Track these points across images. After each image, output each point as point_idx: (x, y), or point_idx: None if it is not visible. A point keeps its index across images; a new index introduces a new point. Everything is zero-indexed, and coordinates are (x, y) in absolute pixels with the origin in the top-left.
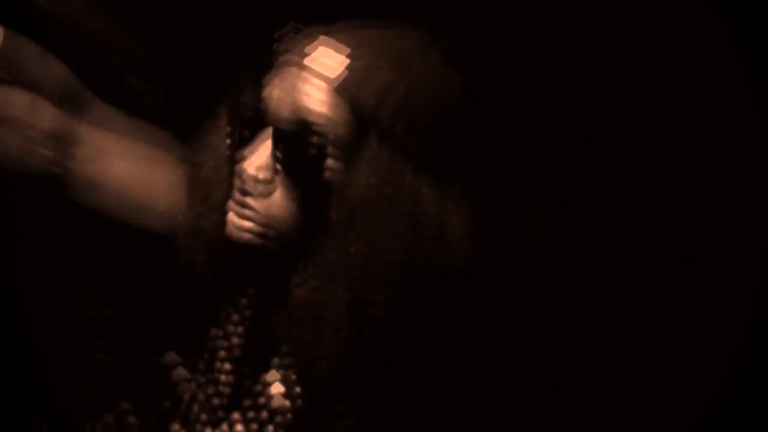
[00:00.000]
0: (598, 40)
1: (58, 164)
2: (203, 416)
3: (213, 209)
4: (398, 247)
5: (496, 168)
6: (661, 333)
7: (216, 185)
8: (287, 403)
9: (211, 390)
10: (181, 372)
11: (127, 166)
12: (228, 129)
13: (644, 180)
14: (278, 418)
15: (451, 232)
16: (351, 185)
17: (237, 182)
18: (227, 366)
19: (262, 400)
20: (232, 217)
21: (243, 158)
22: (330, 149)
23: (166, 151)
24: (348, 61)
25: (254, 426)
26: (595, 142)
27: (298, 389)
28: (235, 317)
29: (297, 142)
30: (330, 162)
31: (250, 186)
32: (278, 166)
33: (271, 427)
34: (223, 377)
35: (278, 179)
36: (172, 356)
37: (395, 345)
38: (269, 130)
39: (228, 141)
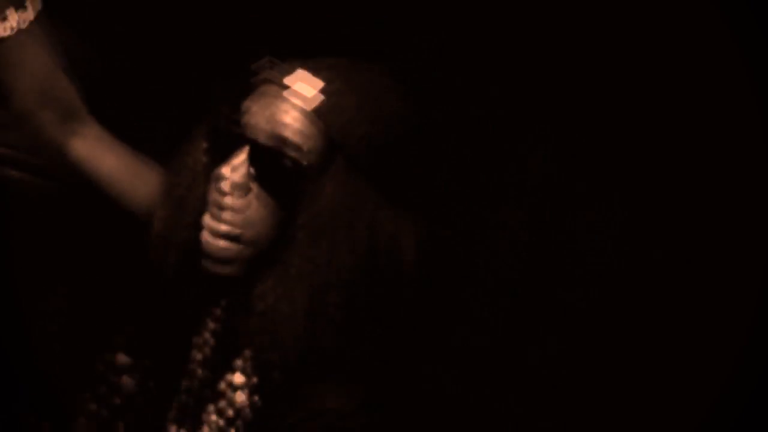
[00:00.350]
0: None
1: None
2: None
3: (187, 219)
4: (355, 259)
5: (464, 183)
6: (650, 331)
7: (191, 198)
8: (246, 400)
9: (181, 390)
10: (123, 359)
11: (117, 165)
12: (205, 145)
13: (631, 178)
14: (241, 417)
15: (404, 248)
16: (317, 200)
17: (213, 192)
18: (197, 369)
19: (225, 401)
20: (208, 221)
21: (219, 172)
22: (301, 166)
23: (149, 164)
24: (322, 88)
25: (222, 423)
26: (576, 144)
27: (257, 390)
28: (206, 322)
29: (272, 157)
30: (300, 178)
31: (226, 196)
32: (253, 179)
33: (236, 426)
34: (190, 380)
35: (252, 191)
36: (122, 358)
37: (352, 345)
38: (245, 148)
39: (205, 158)
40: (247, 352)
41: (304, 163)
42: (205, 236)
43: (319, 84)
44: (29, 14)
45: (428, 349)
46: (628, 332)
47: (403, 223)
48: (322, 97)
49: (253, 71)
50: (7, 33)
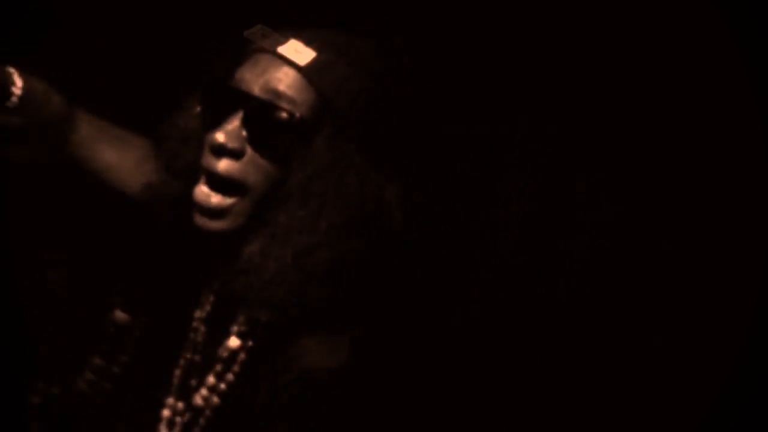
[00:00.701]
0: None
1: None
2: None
3: (183, 175)
4: (343, 219)
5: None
6: (649, 331)
7: (182, 161)
8: (239, 342)
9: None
10: (120, 315)
11: (112, 151)
12: (197, 109)
13: (630, 178)
14: (235, 379)
15: (392, 211)
16: (307, 161)
17: (207, 157)
18: (200, 326)
19: (222, 365)
20: (201, 187)
21: (213, 137)
22: (295, 118)
23: (140, 140)
24: (315, 53)
25: (222, 387)
26: (574, 137)
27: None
28: (206, 285)
29: (265, 113)
30: (293, 134)
31: (220, 161)
32: (247, 142)
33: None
34: (194, 335)
35: (246, 155)
36: (120, 314)
37: (340, 303)
38: (238, 113)
39: (196, 121)
40: (242, 318)
41: (297, 115)
42: (199, 195)
43: (311, 50)
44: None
45: (416, 315)
46: (628, 332)
47: (391, 187)
48: (314, 54)
49: (245, 40)
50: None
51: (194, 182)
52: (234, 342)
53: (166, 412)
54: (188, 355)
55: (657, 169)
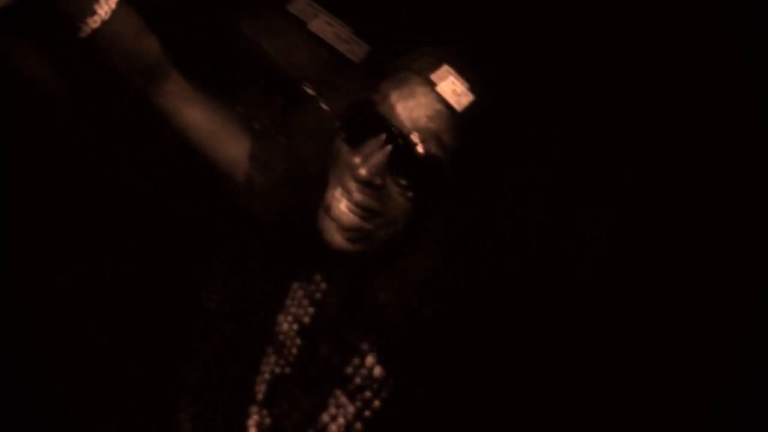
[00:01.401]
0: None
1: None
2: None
3: (305, 183)
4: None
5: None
6: (652, 332)
7: (312, 168)
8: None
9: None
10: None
11: (201, 113)
12: (338, 125)
13: (635, 177)
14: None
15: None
16: (439, 203)
17: (347, 180)
18: (295, 337)
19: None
20: (341, 196)
21: (355, 156)
22: (436, 166)
23: (231, 112)
24: (472, 98)
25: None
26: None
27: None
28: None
29: (411, 153)
30: (432, 174)
31: (360, 188)
32: (388, 170)
33: (377, 401)
34: (282, 347)
35: (388, 185)
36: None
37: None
38: (382, 137)
39: (335, 136)
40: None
41: (441, 155)
42: (337, 211)
43: (470, 96)
44: None
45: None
46: (628, 332)
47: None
48: (471, 98)
49: (392, 58)
50: (109, 16)
51: (321, 193)
52: (370, 360)
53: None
54: (278, 369)
55: (657, 168)
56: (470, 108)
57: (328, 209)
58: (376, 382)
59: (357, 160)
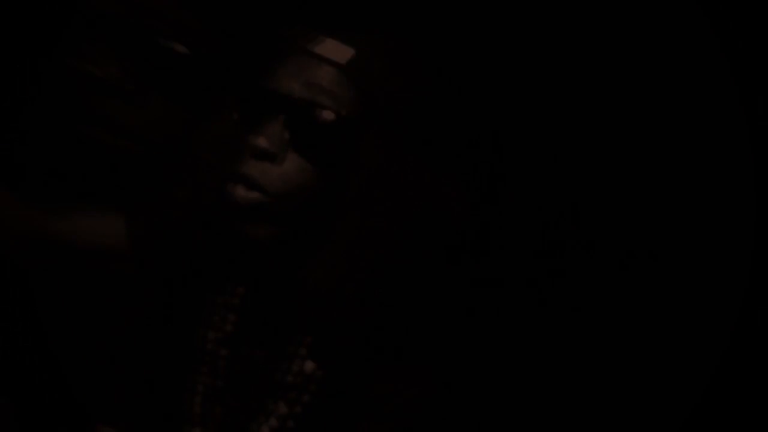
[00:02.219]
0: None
1: None
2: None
3: (213, 187)
4: (407, 219)
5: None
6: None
7: (218, 166)
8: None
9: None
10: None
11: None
12: (233, 113)
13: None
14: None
15: (448, 205)
16: (358, 162)
17: (247, 163)
18: (218, 348)
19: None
20: (238, 192)
21: (254, 143)
22: (338, 125)
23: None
24: (353, 50)
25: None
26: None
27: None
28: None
29: (308, 119)
30: (338, 138)
31: (260, 166)
32: (289, 143)
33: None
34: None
35: (287, 155)
36: None
37: (409, 308)
38: (278, 114)
39: (232, 125)
40: (302, 340)
41: (342, 113)
42: (237, 196)
43: (350, 50)
44: None
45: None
46: (627, 332)
47: (447, 181)
48: (352, 51)
49: (278, 40)
50: None
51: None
52: (309, 366)
53: None
54: (207, 381)
55: (657, 169)
56: (356, 58)
57: (228, 200)
58: (307, 377)
59: (252, 136)
